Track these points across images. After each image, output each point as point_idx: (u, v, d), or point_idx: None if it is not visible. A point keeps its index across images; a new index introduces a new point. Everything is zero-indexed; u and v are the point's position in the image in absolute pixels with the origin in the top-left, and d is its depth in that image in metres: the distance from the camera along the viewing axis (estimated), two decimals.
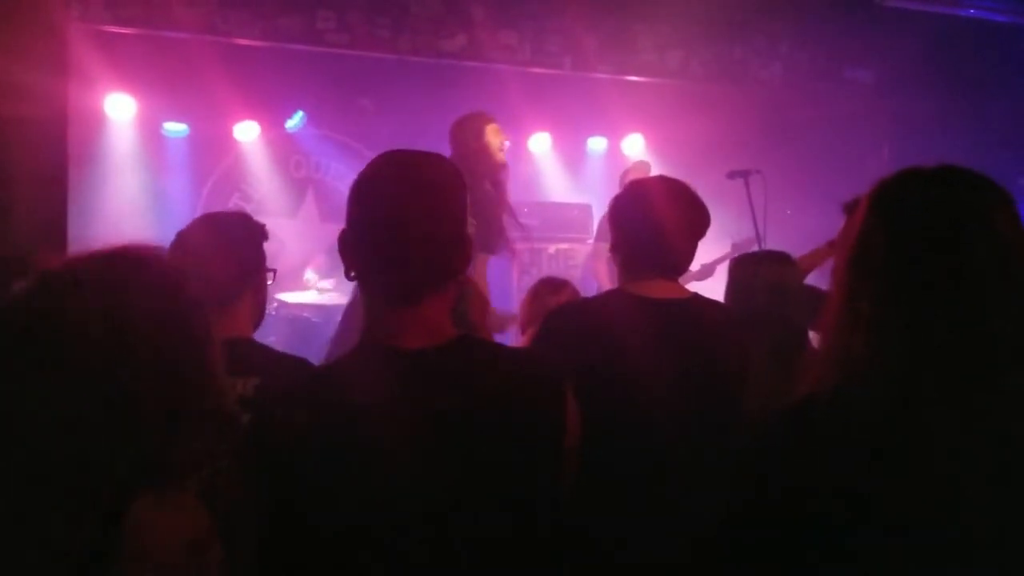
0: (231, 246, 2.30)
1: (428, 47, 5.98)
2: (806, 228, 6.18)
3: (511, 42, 6.20)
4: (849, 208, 3.10)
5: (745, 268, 3.50)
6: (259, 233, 2.38)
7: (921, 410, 1.24)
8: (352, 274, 1.54)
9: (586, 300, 2.69)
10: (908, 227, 1.36)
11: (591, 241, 7.04)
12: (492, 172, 4.65)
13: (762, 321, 3.28)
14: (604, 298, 2.55)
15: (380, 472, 1.38)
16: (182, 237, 2.32)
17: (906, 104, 6.92)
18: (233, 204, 7.55)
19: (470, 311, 2.51)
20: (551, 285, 3.54)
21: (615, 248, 2.56)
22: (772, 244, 5.57)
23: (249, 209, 7.59)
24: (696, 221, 2.53)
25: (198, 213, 7.61)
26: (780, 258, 3.53)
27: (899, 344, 1.27)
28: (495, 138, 4.68)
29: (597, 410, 1.65)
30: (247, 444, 1.44)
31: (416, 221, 1.47)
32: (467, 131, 4.65)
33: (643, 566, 2.13)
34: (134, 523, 1.30)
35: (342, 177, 7.84)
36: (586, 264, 7.10)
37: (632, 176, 6.07)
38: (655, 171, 7.23)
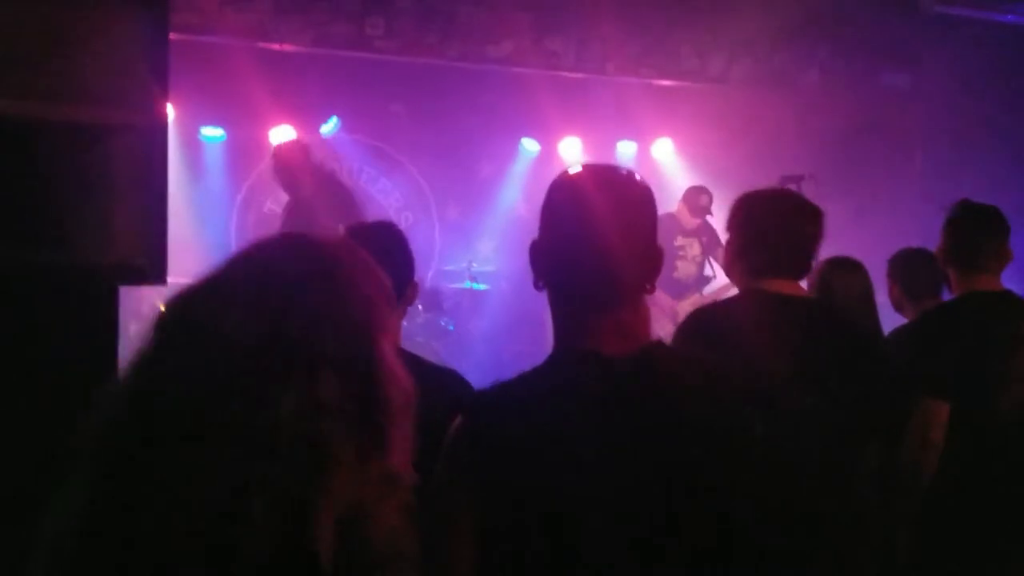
0: (400, 255, 2.33)
1: (474, 54, 6.02)
2: (841, 231, 6.23)
3: (556, 48, 6.24)
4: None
5: (821, 274, 3.57)
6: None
7: None
8: (542, 283, 1.56)
9: (727, 301, 2.79)
10: None
11: None
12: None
13: None
14: (744, 298, 2.64)
15: (591, 474, 1.42)
16: (358, 238, 2.33)
17: (941, 109, 6.97)
18: (267, 208, 7.59)
19: None
20: None
21: (743, 249, 2.64)
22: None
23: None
24: (812, 228, 2.67)
25: (234, 217, 7.69)
26: (853, 265, 3.60)
27: None
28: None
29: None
30: (455, 448, 1.48)
31: (616, 233, 1.51)
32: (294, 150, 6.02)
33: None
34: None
35: (373, 181, 7.90)
36: None
37: (691, 196, 6.24)
38: (685, 173, 7.33)
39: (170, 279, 3.66)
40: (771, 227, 2.58)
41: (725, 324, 2.44)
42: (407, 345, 5.94)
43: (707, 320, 2.56)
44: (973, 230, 3.13)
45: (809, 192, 5.34)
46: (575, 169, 1.62)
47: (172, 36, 5.67)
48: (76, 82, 2.69)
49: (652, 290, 1.56)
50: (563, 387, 1.49)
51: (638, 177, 1.62)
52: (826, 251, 4.73)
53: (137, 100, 2.88)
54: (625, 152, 8.52)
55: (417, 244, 7.44)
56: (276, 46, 5.65)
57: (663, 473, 1.43)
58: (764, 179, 5.68)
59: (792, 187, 5.18)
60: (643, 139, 8.39)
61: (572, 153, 8.23)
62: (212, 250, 7.21)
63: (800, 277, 2.65)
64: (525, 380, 1.53)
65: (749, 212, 2.66)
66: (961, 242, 3.12)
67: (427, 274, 7.96)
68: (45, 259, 2.48)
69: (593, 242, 1.51)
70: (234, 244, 7.39)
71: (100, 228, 2.71)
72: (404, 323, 6.91)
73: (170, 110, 6.82)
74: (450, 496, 1.45)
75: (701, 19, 6.21)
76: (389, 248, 2.35)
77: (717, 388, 1.52)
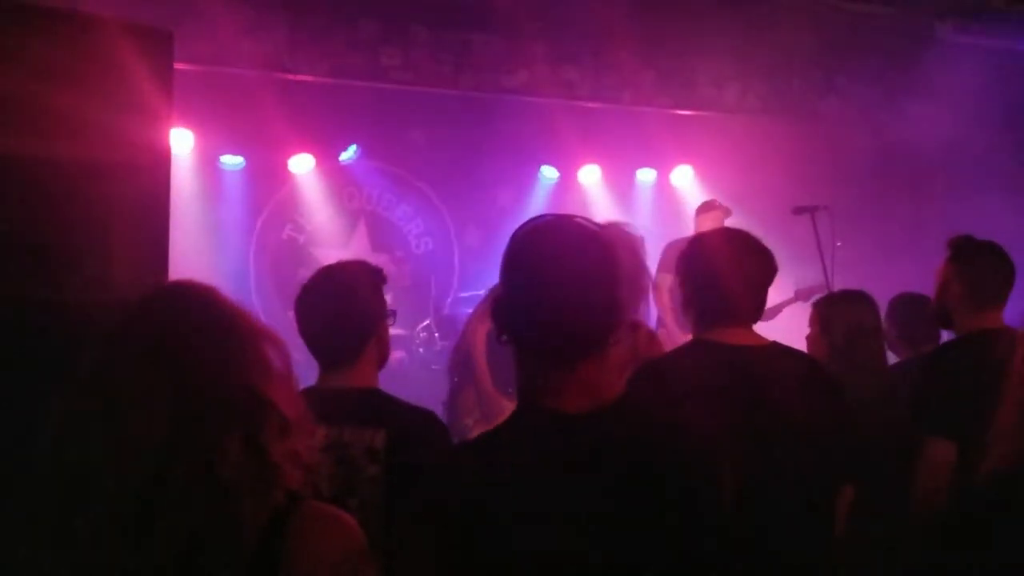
0: (355, 301, 2.32)
1: (489, 83, 6.04)
2: (860, 261, 6.18)
3: (571, 78, 6.25)
4: None
5: (826, 308, 3.54)
6: (379, 281, 2.39)
7: None
8: (504, 337, 1.54)
9: (675, 354, 2.70)
10: None
11: None
12: None
13: (841, 360, 3.33)
14: (684, 350, 2.59)
15: (549, 537, 1.39)
16: (306, 296, 2.34)
17: (961, 136, 6.91)
18: (286, 235, 7.64)
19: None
20: (628, 326, 3.54)
21: (691, 298, 2.60)
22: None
23: (301, 240, 7.69)
24: (763, 270, 2.58)
25: (252, 243, 7.71)
26: (858, 298, 3.57)
27: None
28: None
29: None
30: (417, 507, 1.46)
31: (575, 287, 1.49)
32: None
33: None
34: (291, 535, 1.37)
35: (392, 208, 7.93)
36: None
37: (708, 214, 6.12)
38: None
39: None
40: (719, 273, 2.48)
41: (669, 378, 2.37)
42: (424, 372, 5.90)
43: (653, 374, 2.44)
44: (979, 267, 3.09)
45: (824, 223, 5.32)
46: (534, 222, 1.59)
47: (192, 67, 5.75)
48: (79, 121, 2.72)
49: (617, 342, 1.53)
50: (523, 448, 1.47)
51: (599, 227, 1.59)
52: (845, 282, 4.70)
53: (140, 138, 2.91)
54: (645, 179, 8.52)
55: (437, 270, 7.46)
56: (293, 76, 5.69)
57: (623, 533, 1.41)
58: (783, 207, 5.67)
59: (806, 217, 5.15)
60: (662, 167, 8.38)
61: (591, 180, 8.25)
62: (231, 276, 7.27)
63: (753, 321, 2.55)
64: (486, 441, 1.52)
65: (695, 258, 2.58)
66: (966, 279, 3.07)
67: (445, 301, 7.96)
68: (45, 296, 2.50)
69: (552, 297, 1.49)
70: (253, 269, 7.45)
71: (101, 265, 2.73)
72: (421, 351, 6.91)
73: (190, 138, 6.93)
74: (411, 559, 1.43)
75: (716, 48, 6.20)
76: (359, 292, 2.34)
77: (679, 445, 1.50)
